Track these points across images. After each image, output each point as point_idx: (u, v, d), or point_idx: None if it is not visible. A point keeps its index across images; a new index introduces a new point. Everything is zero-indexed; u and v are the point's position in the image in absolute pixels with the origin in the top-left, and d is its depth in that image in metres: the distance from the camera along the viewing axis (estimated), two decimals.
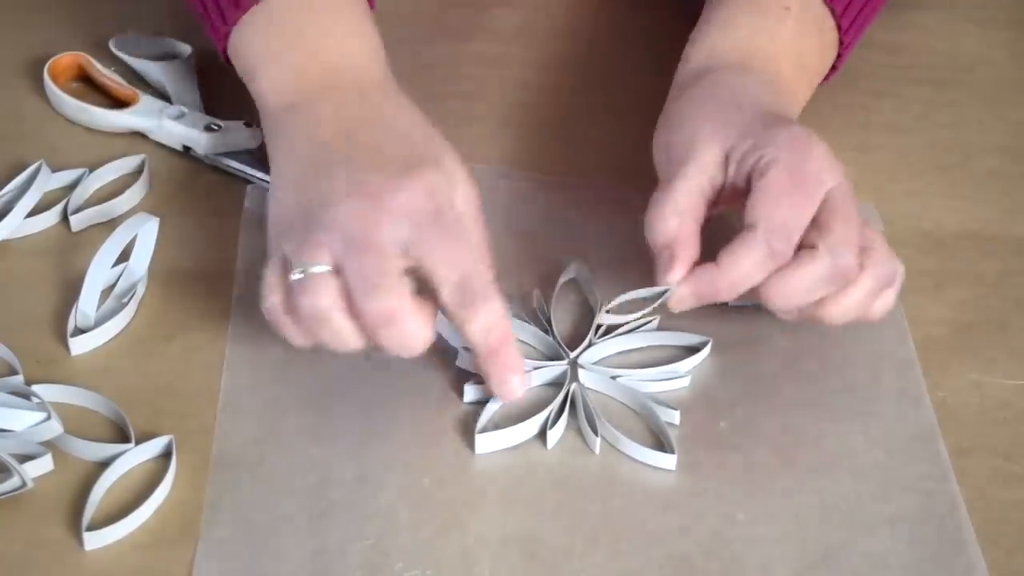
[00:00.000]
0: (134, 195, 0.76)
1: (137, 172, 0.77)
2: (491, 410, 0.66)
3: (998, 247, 0.76)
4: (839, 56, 0.77)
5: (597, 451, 0.65)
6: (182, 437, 0.64)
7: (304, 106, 0.68)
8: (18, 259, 0.73)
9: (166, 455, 0.64)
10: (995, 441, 0.67)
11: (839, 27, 0.75)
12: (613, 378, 0.68)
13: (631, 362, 0.69)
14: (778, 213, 0.63)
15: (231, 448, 0.64)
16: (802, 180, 0.64)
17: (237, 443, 0.64)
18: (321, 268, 0.61)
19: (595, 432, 0.65)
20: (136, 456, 0.63)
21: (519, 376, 0.64)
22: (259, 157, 0.75)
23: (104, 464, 0.63)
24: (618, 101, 0.84)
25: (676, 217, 0.65)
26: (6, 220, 0.73)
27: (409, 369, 0.68)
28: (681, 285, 0.65)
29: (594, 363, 0.69)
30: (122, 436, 0.64)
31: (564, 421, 0.66)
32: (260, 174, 0.76)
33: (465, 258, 0.62)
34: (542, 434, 0.66)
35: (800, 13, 0.74)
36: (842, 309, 0.65)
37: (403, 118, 0.68)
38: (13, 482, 0.61)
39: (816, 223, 0.64)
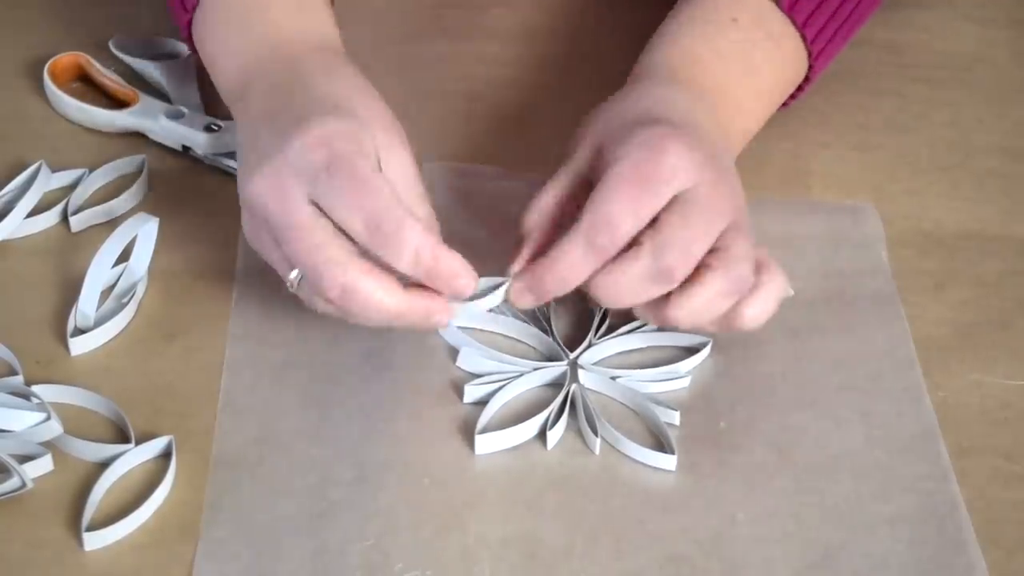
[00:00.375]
0: (134, 195, 0.76)
1: (137, 172, 0.77)
2: (491, 410, 0.66)
3: (998, 247, 0.76)
4: (811, 67, 0.76)
5: (597, 451, 0.65)
6: (182, 437, 0.64)
7: (246, 90, 0.68)
8: (18, 259, 0.73)
9: (166, 455, 0.64)
10: (995, 441, 0.67)
11: (804, 37, 0.74)
12: (613, 379, 0.68)
13: (631, 362, 0.69)
14: (605, 207, 0.62)
15: (231, 448, 0.64)
16: (644, 177, 0.63)
17: (237, 443, 0.64)
18: (293, 276, 0.63)
19: (595, 433, 0.65)
20: (136, 456, 0.63)
21: (465, 277, 0.62)
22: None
23: (104, 464, 0.63)
24: None
25: (536, 214, 0.66)
26: (6, 220, 0.73)
27: (409, 369, 0.68)
28: (516, 277, 0.65)
29: (594, 364, 0.69)
30: (122, 436, 0.64)
31: (564, 422, 0.66)
32: None
33: (368, 200, 0.60)
34: (542, 435, 0.66)
35: (750, 24, 0.73)
36: (685, 311, 0.64)
37: (330, 82, 0.66)
38: (13, 482, 0.61)
39: (653, 222, 0.63)
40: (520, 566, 0.61)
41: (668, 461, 0.65)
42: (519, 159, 0.80)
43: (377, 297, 0.61)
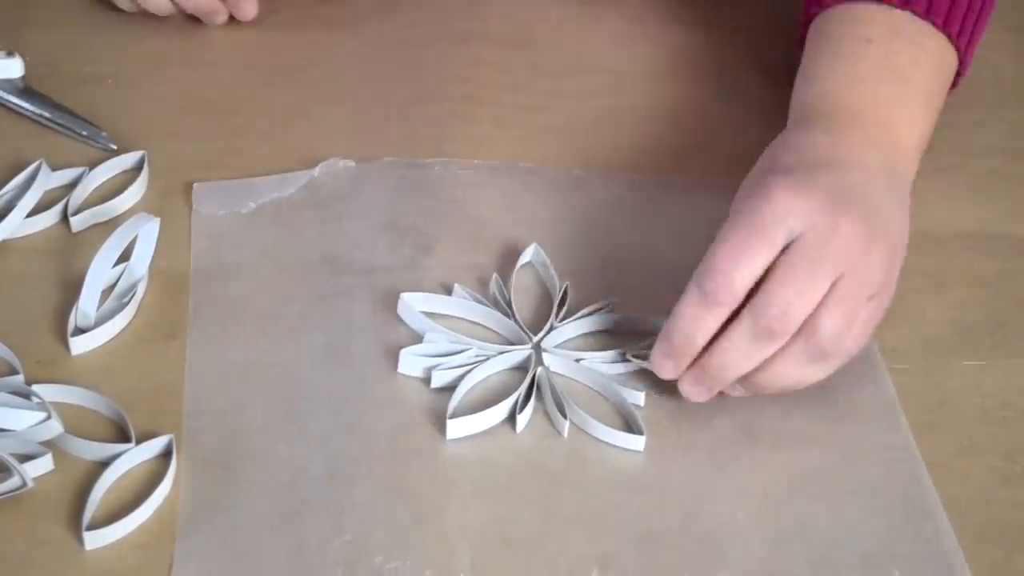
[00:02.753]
0: (133, 194, 0.76)
1: (137, 169, 0.77)
2: (459, 395, 0.66)
3: (998, 247, 0.76)
4: (961, 61, 0.76)
5: (566, 434, 0.65)
6: (182, 437, 0.64)
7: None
8: (18, 259, 0.73)
9: (166, 455, 0.64)
10: (995, 441, 0.67)
11: (948, 36, 0.74)
12: (577, 361, 0.68)
13: (593, 345, 0.70)
14: (712, 259, 0.62)
15: (200, 451, 0.64)
16: (748, 224, 0.62)
17: (207, 446, 0.64)
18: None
19: (563, 415, 0.65)
20: (136, 456, 0.63)
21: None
22: (21, 87, 0.76)
23: (104, 464, 0.63)
24: (622, 104, 0.84)
25: None
26: (7, 220, 0.73)
27: (372, 360, 0.68)
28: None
29: (556, 346, 0.69)
30: (122, 436, 0.64)
31: (532, 405, 0.66)
32: (23, 103, 0.78)
33: None
34: (511, 419, 0.66)
35: (886, 37, 0.72)
36: (764, 376, 0.63)
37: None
38: (13, 482, 0.61)
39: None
40: (499, 552, 0.61)
41: (637, 442, 0.65)
42: (516, 158, 0.80)
43: None
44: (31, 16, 0.88)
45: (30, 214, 0.74)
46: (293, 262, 0.73)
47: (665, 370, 0.65)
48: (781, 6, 0.90)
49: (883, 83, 0.72)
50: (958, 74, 0.77)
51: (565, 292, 0.71)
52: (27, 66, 0.81)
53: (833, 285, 0.62)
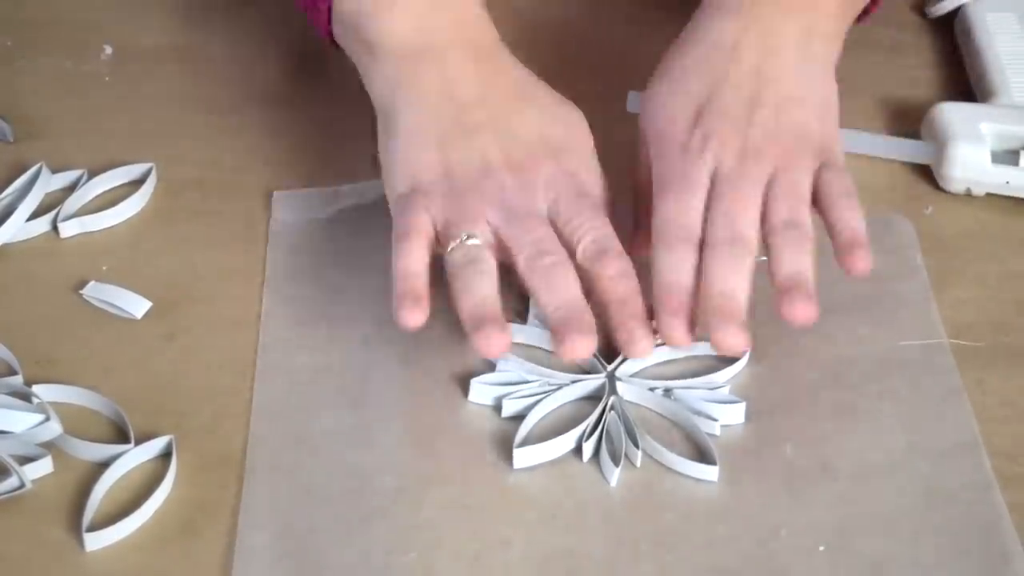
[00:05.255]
0: (132, 205, 0.75)
1: (140, 181, 0.77)
2: (529, 424, 0.65)
3: (998, 247, 0.76)
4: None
5: (638, 464, 0.64)
6: (182, 437, 0.64)
7: (433, 57, 0.69)
8: (18, 259, 0.73)
9: (166, 455, 0.64)
10: (995, 441, 0.67)
11: None
12: (651, 390, 0.67)
13: (668, 373, 0.68)
14: (660, 212, 0.66)
15: (266, 453, 0.63)
16: (675, 174, 0.66)
17: (272, 448, 0.64)
18: (482, 239, 0.64)
19: (636, 445, 0.64)
20: (136, 456, 0.63)
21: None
22: None
23: (104, 464, 0.63)
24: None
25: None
26: (7, 223, 0.73)
27: (446, 381, 0.67)
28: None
29: (631, 375, 0.68)
30: (122, 436, 0.64)
31: (600, 434, 0.65)
32: None
33: (601, 224, 0.65)
34: (579, 448, 0.65)
35: None
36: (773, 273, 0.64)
37: (530, 86, 0.70)
38: (12, 482, 0.61)
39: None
40: None
41: (710, 472, 0.64)
42: None
43: (571, 280, 0.63)
44: None
45: (30, 217, 0.74)
46: (369, 269, 0.71)
47: (676, 332, 0.63)
48: None
49: None
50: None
51: None
52: None
53: (771, 179, 0.66)
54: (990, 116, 0.78)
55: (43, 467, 0.63)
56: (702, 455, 0.65)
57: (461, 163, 0.66)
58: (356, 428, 0.65)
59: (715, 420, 0.65)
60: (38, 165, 0.75)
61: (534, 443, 0.64)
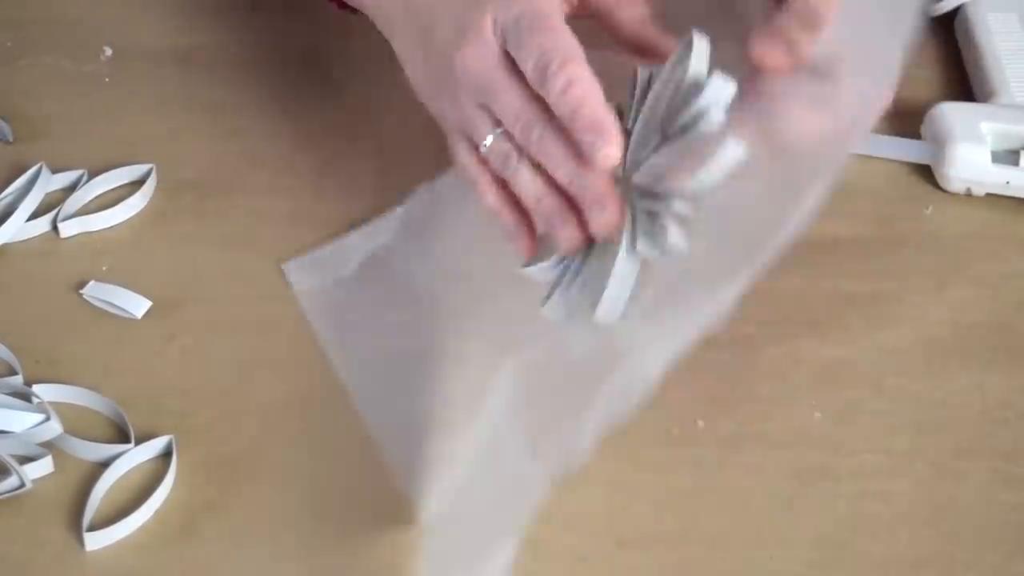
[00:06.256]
0: (131, 207, 0.75)
1: (140, 182, 0.77)
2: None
3: (998, 247, 0.76)
4: None
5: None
6: (182, 437, 0.64)
7: None
8: (18, 259, 0.73)
9: (166, 455, 0.64)
10: (995, 441, 0.67)
11: None
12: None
13: None
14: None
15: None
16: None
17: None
18: (493, 136, 0.62)
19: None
20: (136, 456, 0.63)
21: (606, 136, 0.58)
22: None
23: (104, 464, 0.63)
24: None
25: None
26: (7, 224, 0.73)
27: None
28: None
29: None
30: (122, 436, 0.64)
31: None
32: None
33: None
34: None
35: None
36: None
37: None
38: (11, 482, 0.61)
39: None
40: None
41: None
42: None
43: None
44: None
45: (31, 217, 0.74)
46: (420, 297, 0.70)
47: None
48: None
49: None
50: None
51: None
52: None
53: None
54: (990, 116, 0.78)
55: (43, 467, 0.63)
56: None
57: (436, 55, 0.65)
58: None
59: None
60: (38, 165, 0.75)
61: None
